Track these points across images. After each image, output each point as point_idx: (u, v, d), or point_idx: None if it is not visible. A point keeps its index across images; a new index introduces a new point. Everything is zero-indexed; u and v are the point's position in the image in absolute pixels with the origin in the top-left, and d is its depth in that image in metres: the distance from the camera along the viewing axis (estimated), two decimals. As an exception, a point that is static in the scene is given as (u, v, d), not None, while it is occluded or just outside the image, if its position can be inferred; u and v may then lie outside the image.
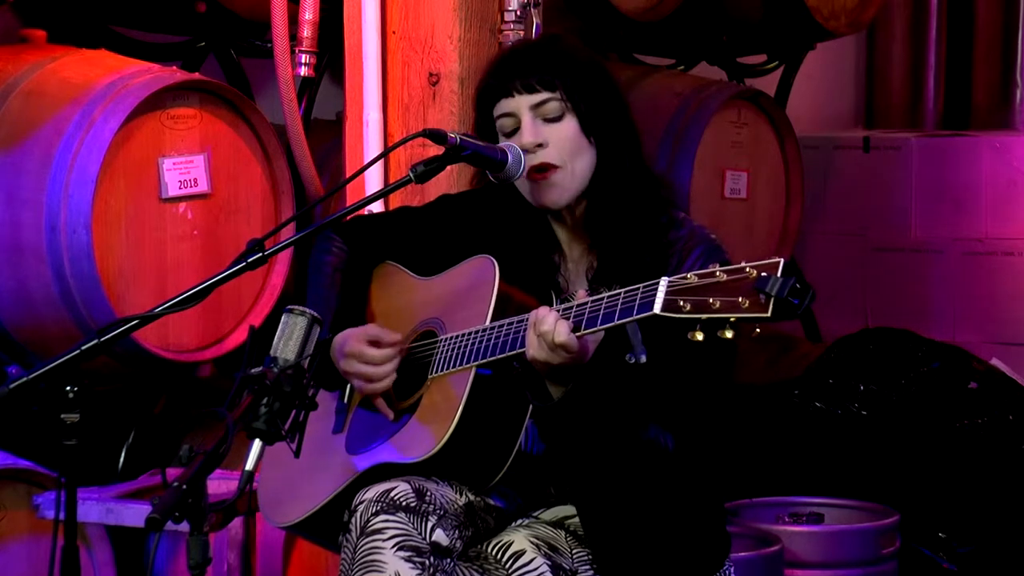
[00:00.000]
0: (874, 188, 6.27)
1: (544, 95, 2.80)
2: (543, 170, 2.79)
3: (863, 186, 6.30)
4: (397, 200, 3.53)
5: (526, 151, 2.79)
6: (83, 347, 2.62)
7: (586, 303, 2.56)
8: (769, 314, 2.30)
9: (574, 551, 2.74)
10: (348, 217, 2.94)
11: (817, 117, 6.84)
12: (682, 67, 5.96)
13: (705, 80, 5.50)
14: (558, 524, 2.79)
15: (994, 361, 5.56)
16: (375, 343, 2.86)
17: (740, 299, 2.32)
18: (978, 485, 4.91)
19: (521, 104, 2.81)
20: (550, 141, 2.80)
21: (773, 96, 5.74)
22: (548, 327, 2.56)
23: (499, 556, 2.69)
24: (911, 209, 6.21)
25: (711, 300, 2.34)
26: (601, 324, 2.51)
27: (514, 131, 2.82)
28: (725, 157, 5.27)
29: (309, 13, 3.91)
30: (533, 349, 2.59)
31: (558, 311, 2.58)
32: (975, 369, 5.15)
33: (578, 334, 2.55)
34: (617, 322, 2.48)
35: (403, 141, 3.00)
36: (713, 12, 5.61)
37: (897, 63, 7.12)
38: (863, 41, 7.17)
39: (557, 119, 2.80)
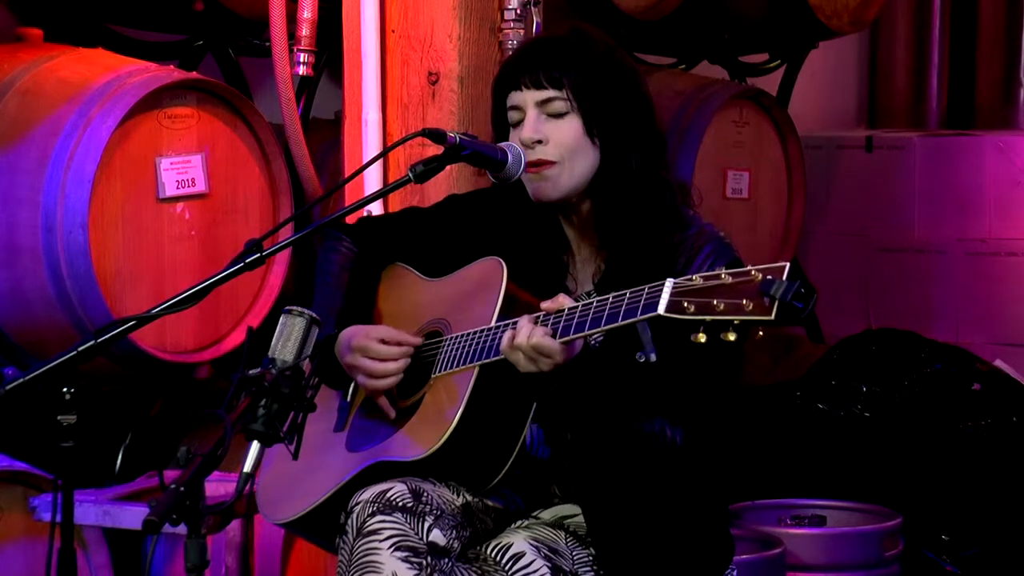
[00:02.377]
0: (877, 188, 6.26)
1: (550, 92, 2.80)
2: (538, 165, 2.81)
3: (866, 186, 6.28)
4: (396, 200, 3.52)
5: (525, 146, 2.80)
6: (80, 348, 2.62)
7: (562, 311, 2.58)
8: (773, 317, 2.31)
9: (574, 552, 2.73)
10: (347, 217, 2.92)
11: (819, 116, 6.83)
12: (683, 66, 5.94)
13: (707, 79, 5.48)
14: (558, 525, 2.78)
15: (998, 362, 5.54)
16: (384, 342, 2.84)
17: (744, 302, 2.32)
18: (982, 487, 4.90)
19: (528, 99, 2.82)
20: (550, 138, 2.80)
21: (775, 95, 5.73)
22: (522, 339, 2.59)
23: (498, 558, 2.68)
24: (914, 209, 6.20)
25: (715, 302, 2.34)
26: (605, 324, 2.51)
27: (519, 124, 2.83)
28: (727, 157, 5.26)
29: (308, 11, 3.90)
30: (520, 366, 2.61)
31: (536, 321, 2.60)
32: (978, 370, 5.14)
33: (584, 334, 2.55)
34: (621, 323, 2.48)
35: (402, 141, 3.00)
36: (714, 11, 5.59)
37: (900, 62, 7.11)
38: (866, 40, 7.16)
39: (561, 117, 2.81)
